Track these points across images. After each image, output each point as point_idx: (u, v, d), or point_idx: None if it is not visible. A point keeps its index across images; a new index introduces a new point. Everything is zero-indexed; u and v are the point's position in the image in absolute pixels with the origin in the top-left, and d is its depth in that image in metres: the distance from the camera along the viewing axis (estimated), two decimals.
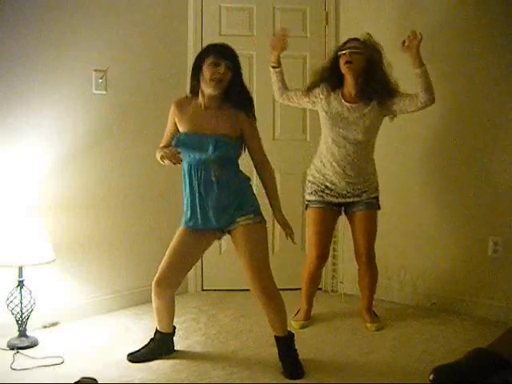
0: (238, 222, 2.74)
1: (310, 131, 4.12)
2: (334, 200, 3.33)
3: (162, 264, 2.83)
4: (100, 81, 3.53)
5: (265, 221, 2.80)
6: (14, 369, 2.76)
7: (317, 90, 3.31)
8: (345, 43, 3.26)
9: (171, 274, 2.81)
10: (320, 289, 4.14)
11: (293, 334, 2.84)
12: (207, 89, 2.70)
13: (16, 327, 3.05)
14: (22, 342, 3.02)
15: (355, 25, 4.01)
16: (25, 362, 2.84)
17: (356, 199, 3.32)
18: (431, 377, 1.90)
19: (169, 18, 3.91)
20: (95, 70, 3.51)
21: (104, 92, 3.56)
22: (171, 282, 2.83)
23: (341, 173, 3.27)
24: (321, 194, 3.34)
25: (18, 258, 2.97)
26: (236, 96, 2.74)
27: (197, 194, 2.72)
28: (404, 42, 3.11)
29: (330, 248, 3.52)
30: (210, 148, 2.66)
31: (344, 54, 3.18)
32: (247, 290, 3.97)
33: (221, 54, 2.69)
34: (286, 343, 2.81)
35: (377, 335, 3.28)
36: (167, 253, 2.83)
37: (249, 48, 3.99)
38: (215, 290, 4.12)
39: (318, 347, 3.10)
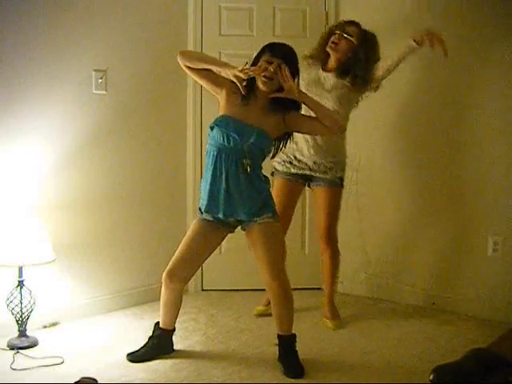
0: (256, 221, 2.76)
1: None
2: (300, 172, 3.38)
3: (174, 256, 2.85)
4: (100, 81, 3.53)
5: (280, 223, 2.85)
6: (14, 369, 2.76)
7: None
8: (343, 24, 3.35)
9: (183, 266, 2.83)
10: (320, 288, 4.15)
11: (295, 335, 2.85)
12: (259, 84, 2.71)
13: (16, 327, 3.04)
14: (22, 342, 3.01)
15: None
16: (25, 361, 2.84)
17: (322, 175, 3.36)
18: (431, 377, 1.90)
19: (169, 18, 3.91)
20: (95, 70, 3.51)
21: (104, 92, 3.56)
22: (182, 275, 2.85)
23: (309, 140, 3.31)
24: (288, 165, 3.40)
25: (18, 258, 2.97)
26: (286, 99, 2.73)
27: (223, 184, 2.70)
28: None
29: (291, 220, 3.49)
30: (253, 137, 2.66)
31: (335, 34, 3.29)
32: (247, 290, 4.00)
33: (275, 52, 2.72)
34: (288, 343, 2.82)
35: (377, 335, 3.28)
36: (181, 245, 2.85)
37: (249, 48, 3.98)
38: (215, 290, 4.12)
39: (318, 347, 3.10)
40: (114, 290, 3.70)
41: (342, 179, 3.41)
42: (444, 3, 3.67)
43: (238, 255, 3.82)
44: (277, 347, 2.85)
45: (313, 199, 3.56)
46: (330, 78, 3.32)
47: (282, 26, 4.07)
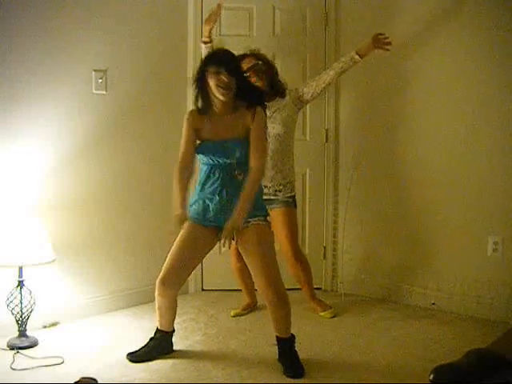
0: (249, 222, 2.77)
1: (310, 131, 4.12)
2: None
3: (166, 262, 2.83)
4: (100, 81, 3.53)
5: (271, 230, 2.89)
6: (14, 369, 2.76)
7: None
8: (244, 57, 3.40)
9: (176, 272, 2.82)
10: (320, 289, 4.15)
11: (294, 336, 2.85)
12: (218, 96, 2.72)
13: (16, 327, 3.05)
14: (22, 342, 3.02)
15: (355, 25, 4.02)
16: (25, 361, 2.84)
17: (273, 197, 3.44)
18: (431, 377, 1.90)
19: (169, 18, 3.91)
20: (95, 70, 3.51)
21: (104, 92, 3.56)
22: (176, 281, 2.84)
23: None
24: None
25: (18, 258, 2.97)
26: (248, 96, 2.78)
27: (217, 194, 2.75)
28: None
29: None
30: (237, 152, 2.71)
31: (249, 72, 3.34)
32: None
33: (219, 63, 2.71)
34: (287, 344, 2.82)
35: (377, 335, 3.28)
36: (172, 251, 2.84)
37: (249, 48, 3.98)
38: (215, 290, 4.12)
39: (318, 347, 3.10)
40: (114, 289, 3.70)
41: (293, 199, 3.50)
42: None
43: None
44: (277, 347, 2.85)
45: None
46: (269, 107, 3.31)
47: (282, 26, 4.08)
